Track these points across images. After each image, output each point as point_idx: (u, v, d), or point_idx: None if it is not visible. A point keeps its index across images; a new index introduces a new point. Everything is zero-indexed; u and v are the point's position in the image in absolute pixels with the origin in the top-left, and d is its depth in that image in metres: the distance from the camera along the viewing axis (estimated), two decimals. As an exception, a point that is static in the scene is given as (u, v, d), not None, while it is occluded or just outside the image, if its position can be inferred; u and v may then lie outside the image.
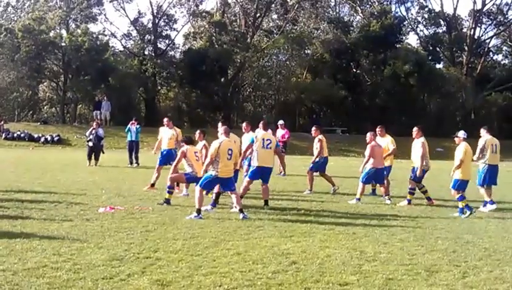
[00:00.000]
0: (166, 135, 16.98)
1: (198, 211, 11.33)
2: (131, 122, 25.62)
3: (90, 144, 24.22)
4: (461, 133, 13.42)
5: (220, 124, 13.79)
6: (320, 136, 16.85)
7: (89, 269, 7.12)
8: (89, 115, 49.67)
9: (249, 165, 13.77)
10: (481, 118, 53.64)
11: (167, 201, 12.83)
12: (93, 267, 7.21)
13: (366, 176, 14.94)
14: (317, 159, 16.58)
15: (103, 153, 24.60)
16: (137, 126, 25.49)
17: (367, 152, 15.04)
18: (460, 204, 12.75)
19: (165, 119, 17.64)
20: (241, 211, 11.45)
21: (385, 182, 15.25)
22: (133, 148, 25.10)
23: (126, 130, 25.78)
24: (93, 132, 24.29)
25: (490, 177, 14.11)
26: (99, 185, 16.34)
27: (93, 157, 23.85)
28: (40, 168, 21.86)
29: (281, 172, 18.77)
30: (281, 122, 21.34)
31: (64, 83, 50.35)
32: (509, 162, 28.98)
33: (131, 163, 24.61)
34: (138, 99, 54.63)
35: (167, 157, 16.45)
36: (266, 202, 13.18)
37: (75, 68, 49.00)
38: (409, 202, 14.41)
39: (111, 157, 26.87)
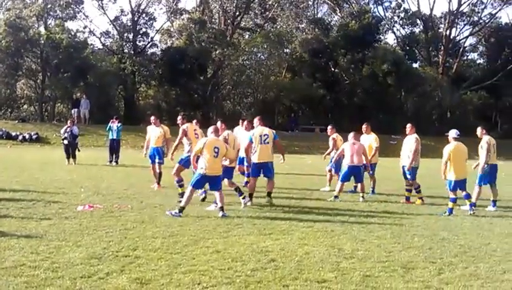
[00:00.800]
0: (154, 133, 17.01)
1: (181, 209, 11.36)
2: (111, 120, 25.52)
3: (65, 142, 24.15)
4: (452, 133, 13.41)
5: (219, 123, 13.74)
6: (335, 135, 17.23)
7: (67, 268, 7.11)
8: (68, 113, 49.28)
9: (248, 164, 13.91)
10: (457, 117, 54.37)
11: (182, 195, 12.81)
12: (71, 266, 7.20)
13: (342, 174, 15.12)
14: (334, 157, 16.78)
15: (79, 150, 24.51)
16: (118, 124, 25.38)
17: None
18: (451, 205, 12.83)
19: (152, 118, 17.67)
20: (221, 209, 11.48)
21: (362, 180, 15.37)
22: (114, 146, 24.99)
23: (107, 128, 25.66)
24: (68, 130, 24.21)
25: (491, 176, 14.15)
26: (77, 184, 16.27)
27: (71, 156, 23.75)
28: (18, 167, 21.70)
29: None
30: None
31: (42, 80, 49.91)
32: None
33: (110, 161, 24.51)
34: (117, 97, 54.36)
35: (156, 155, 16.50)
36: (269, 194, 13.50)
37: (53, 66, 48.53)
38: (421, 199, 14.60)
39: (90, 155, 26.75)
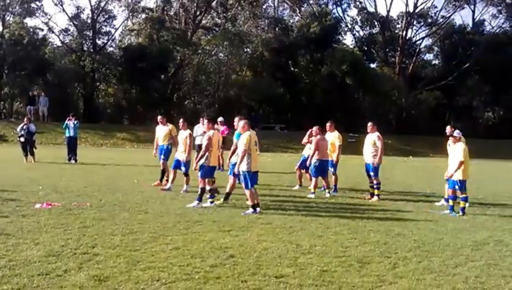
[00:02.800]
0: (162, 132, 17.10)
1: (254, 207, 11.91)
2: (68, 117, 25.26)
3: (22, 139, 23.87)
4: (457, 133, 13.35)
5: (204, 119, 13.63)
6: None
7: (25, 266, 7.08)
8: (25, 110, 48.57)
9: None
10: (413, 116, 55.31)
11: (212, 194, 12.96)
12: (29, 264, 7.17)
13: (315, 169, 15.30)
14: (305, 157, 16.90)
15: (35, 148, 24.17)
16: (75, 122, 25.11)
17: (313, 145, 15.39)
18: (463, 204, 12.83)
19: (159, 117, 17.68)
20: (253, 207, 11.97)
21: (327, 175, 15.57)
22: (71, 144, 24.75)
23: (64, 126, 25.37)
24: (25, 127, 23.97)
25: None
26: (36, 181, 16.10)
27: (29, 153, 23.48)
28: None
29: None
30: (220, 119, 21.45)
31: (0, 78, 49.03)
32: (438, 158, 29.84)
33: (69, 159, 24.25)
34: (77, 95, 53.77)
35: (165, 153, 16.64)
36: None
37: (11, 63, 47.71)
38: (378, 196, 14.80)
39: (48, 153, 26.44)
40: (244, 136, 12.14)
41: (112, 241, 8.65)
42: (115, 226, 9.79)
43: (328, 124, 16.36)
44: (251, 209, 11.83)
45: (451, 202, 12.97)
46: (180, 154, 15.41)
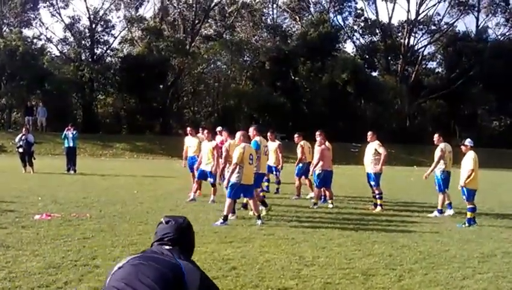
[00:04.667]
0: (191, 143, 17.14)
1: (225, 218, 11.59)
2: (67, 128, 25.14)
3: (21, 150, 23.78)
4: (468, 141, 13.16)
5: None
6: (302, 142, 17.34)
7: (25, 277, 6.96)
8: (23, 120, 48.44)
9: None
10: (416, 125, 55.10)
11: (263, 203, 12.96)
12: (28, 276, 7.05)
13: (318, 180, 15.17)
14: (300, 165, 17.03)
15: (34, 158, 24.03)
16: (74, 132, 24.98)
17: (317, 155, 15.25)
18: (470, 215, 12.70)
19: (188, 129, 17.77)
20: (258, 217, 11.83)
21: (330, 185, 15.48)
22: (71, 154, 24.63)
23: (62, 136, 25.26)
24: (23, 138, 23.87)
25: (448, 182, 14.32)
26: (35, 192, 15.97)
27: (28, 164, 23.37)
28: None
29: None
30: (219, 128, 21.32)
31: (-2, 88, 48.93)
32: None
33: (68, 170, 24.13)
34: (75, 105, 53.67)
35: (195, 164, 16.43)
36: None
37: (9, 73, 47.62)
38: (381, 206, 14.66)
39: (47, 163, 26.32)
40: (237, 149, 11.94)
41: (113, 253, 8.53)
42: (115, 238, 9.66)
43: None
44: (221, 220, 11.64)
45: (469, 214, 12.74)
46: (205, 165, 15.28)
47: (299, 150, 17.30)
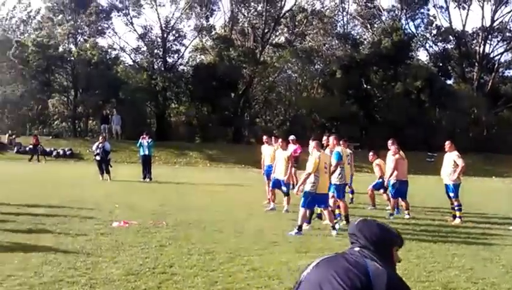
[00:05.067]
0: (268, 152, 17.11)
1: (300, 228, 11.42)
2: (142, 136, 25.59)
3: (98, 158, 24.34)
4: None
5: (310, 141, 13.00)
6: (378, 161, 17.09)
7: (105, 284, 7.09)
8: (100, 129, 49.88)
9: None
10: (494, 135, 53.31)
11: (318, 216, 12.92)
12: (108, 282, 7.18)
13: (394, 190, 14.90)
14: (380, 180, 16.71)
15: (111, 166, 24.56)
16: (149, 140, 25.42)
17: (391, 164, 14.95)
18: None
19: (265, 137, 17.73)
20: (333, 227, 11.62)
21: (406, 196, 15.14)
22: (146, 162, 25.09)
23: (138, 144, 25.74)
24: (100, 146, 24.36)
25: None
26: (112, 200, 16.33)
27: (105, 172, 23.94)
28: (54, 182, 21.95)
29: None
30: (292, 137, 21.22)
31: (74, 97, 50.63)
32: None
33: (144, 178, 24.57)
34: (149, 113, 54.79)
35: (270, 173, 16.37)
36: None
37: (84, 82, 49.14)
38: (460, 218, 14.23)
39: (123, 171, 26.90)
40: (312, 157, 11.84)
41: (189, 260, 8.58)
42: (191, 246, 9.73)
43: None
44: (296, 230, 11.49)
45: None
46: (279, 174, 15.26)
47: (376, 169, 17.01)
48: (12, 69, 49.57)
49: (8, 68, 49.61)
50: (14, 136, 41.01)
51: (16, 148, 39.49)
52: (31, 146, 38.24)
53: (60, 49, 49.70)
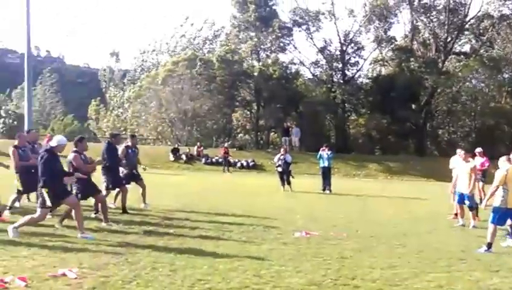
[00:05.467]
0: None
1: (489, 245, 10.88)
2: (322, 148, 25.82)
3: (279, 169, 24.86)
4: None
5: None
6: None
7: (288, 293, 7.19)
8: (280, 141, 51.12)
9: None
10: None
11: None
12: (292, 291, 7.27)
13: None
14: None
15: (292, 177, 25.02)
16: (329, 152, 25.56)
17: None
18: None
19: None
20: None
21: None
22: (326, 174, 25.23)
23: (318, 156, 26.00)
24: (282, 157, 24.87)
25: None
26: (293, 210, 16.61)
27: (286, 183, 24.43)
28: (238, 192, 22.86)
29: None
30: (479, 149, 20.27)
31: (257, 110, 52.51)
32: None
33: (324, 189, 24.72)
34: (328, 125, 55.19)
35: None
36: None
37: (266, 96, 50.86)
38: None
39: (303, 182, 27.27)
40: (500, 170, 11.12)
41: (371, 274, 8.44)
42: (373, 259, 9.57)
43: None
44: (485, 247, 10.77)
45: None
46: (462, 187, 14.65)
47: None
48: (199, 85, 52.54)
49: (195, 84, 52.66)
50: (202, 148, 43.36)
51: (203, 159, 41.73)
52: (220, 157, 40.35)
53: (244, 65, 51.88)
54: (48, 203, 10.25)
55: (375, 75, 55.25)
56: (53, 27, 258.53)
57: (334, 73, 54.70)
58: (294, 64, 54.79)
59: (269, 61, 51.82)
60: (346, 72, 54.53)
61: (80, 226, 10.50)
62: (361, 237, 12.03)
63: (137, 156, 15.94)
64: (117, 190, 14.64)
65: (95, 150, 15.12)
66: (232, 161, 40.83)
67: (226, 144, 43.81)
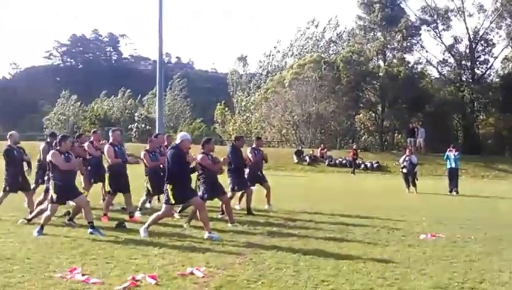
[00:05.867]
0: None
1: None
2: (449, 149, 25.21)
3: (404, 170, 24.52)
4: None
5: None
6: None
7: (414, 295, 7.15)
8: (405, 142, 50.19)
9: None
10: None
11: None
12: (418, 294, 7.22)
13: None
14: None
15: (417, 179, 24.57)
16: (456, 153, 24.89)
17: None
18: None
19: None
20: None
21: None
22: (452, 175, 24.57)
23: (444, 157, 25.42)
24: (407, 158, 24.50)
25: None
26: (418, 212, 16.34)
27: (411, 184, 24.04)
28: (361, 193, 22.76)
29: None
30: None
31: (381, 111, 51.85)
32: None
33: (450, 191, 24.08)
34: (455, 126, 53.49)
35: None
36: None
37: (391, 97, 50.12)
38: None
39: (429, 184, 26.70)
40: None
41: (501, 277, 8.18)
42: (502, 262, 9.25)
43: None
44: None
45: None
46: None
47: None
48: (323, 86, 52.68)
49: (320, 86, 52.84)
50: (325, 150, 43.43)
51: (327, 160, 41.79)
52: (347, 159, 40.31)
53: (369, 65, 51.44)
54: (172, 200, 10.75)
55: (506, 73, 52.79)
56: (183, 34, 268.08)
57: (462, 72, 52.92)
58: (421, 63, 53.72)
59: (395, 61, 51.08)
60: (476, 70, 52.56)
61: (207, 227, 10.88)
62: (490, 239, 11.64)
63: (263, 157, 16.24)
64: (242, 191, 15.06)
65: (221, 153, 15.61)
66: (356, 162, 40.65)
67: (354, 146, 43.60)
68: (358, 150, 44.45)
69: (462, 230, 12.83)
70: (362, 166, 40.43)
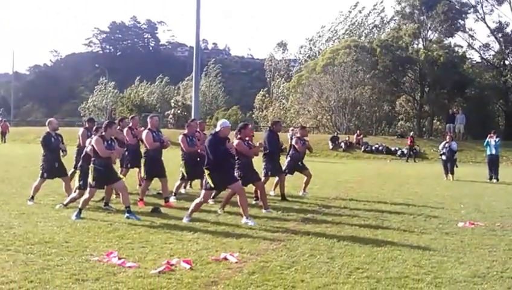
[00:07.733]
0: None
1: None
2: (489, 135, 24.69)
3: (444, 157, 24.14)
4: None
5: None
6: None
7: (451, 284, 7.00)
8: (444, 128, 49.50)
9: None
10: None
11: None
12: (454, 283, 7.07)
13: None
14: None
15: (456, 166, 24.18)
16: (496, 139, 24.36)
17: None
18: None
19: None
20: None
21: None
22: (493, 162, 24.10)
23: (484, 143, 24.91)
24: (447, 145, 24.11)
25: None
26: (457, 199, 16.07)
27: (449, 171, 23.67)
28: (398, 180, 22.51)
29: None
30: None
31: (421, 96, 51.13)
32: None
33: (490, 178, 23.63)
34: (496, 112, 52.49)
35: None
36: None
37: (430, 82, 49.34)
38: None
39: (468, 171, 26.29)
40: None
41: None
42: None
43: None
44: None
45: None
46: None
47: None
48: (360, 72, 52.17)
49: (355, 71, 52.35)
50: (361, 136, 43.03)
51: (363, 147, 41.41)
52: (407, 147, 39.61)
53: (409, 50, 50.69)
54: (210, 185, 10.78)
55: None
56: (220, 20, 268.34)
57: (506, 56, 51.75)
58: (461, 47, 52.77)
59: (434, 45, 50.24)
60: (519, 55, 51.46)
61: (245, 212, 10.90)
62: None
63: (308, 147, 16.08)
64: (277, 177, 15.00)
65: (256, 138, 15.56)
66: (392, 148, 40.18)
67: (411, 133, 42.83)
68: (395, 137, 43.99)
69: (501, 218, 12.60)
70: (399, 152, 39.90)
